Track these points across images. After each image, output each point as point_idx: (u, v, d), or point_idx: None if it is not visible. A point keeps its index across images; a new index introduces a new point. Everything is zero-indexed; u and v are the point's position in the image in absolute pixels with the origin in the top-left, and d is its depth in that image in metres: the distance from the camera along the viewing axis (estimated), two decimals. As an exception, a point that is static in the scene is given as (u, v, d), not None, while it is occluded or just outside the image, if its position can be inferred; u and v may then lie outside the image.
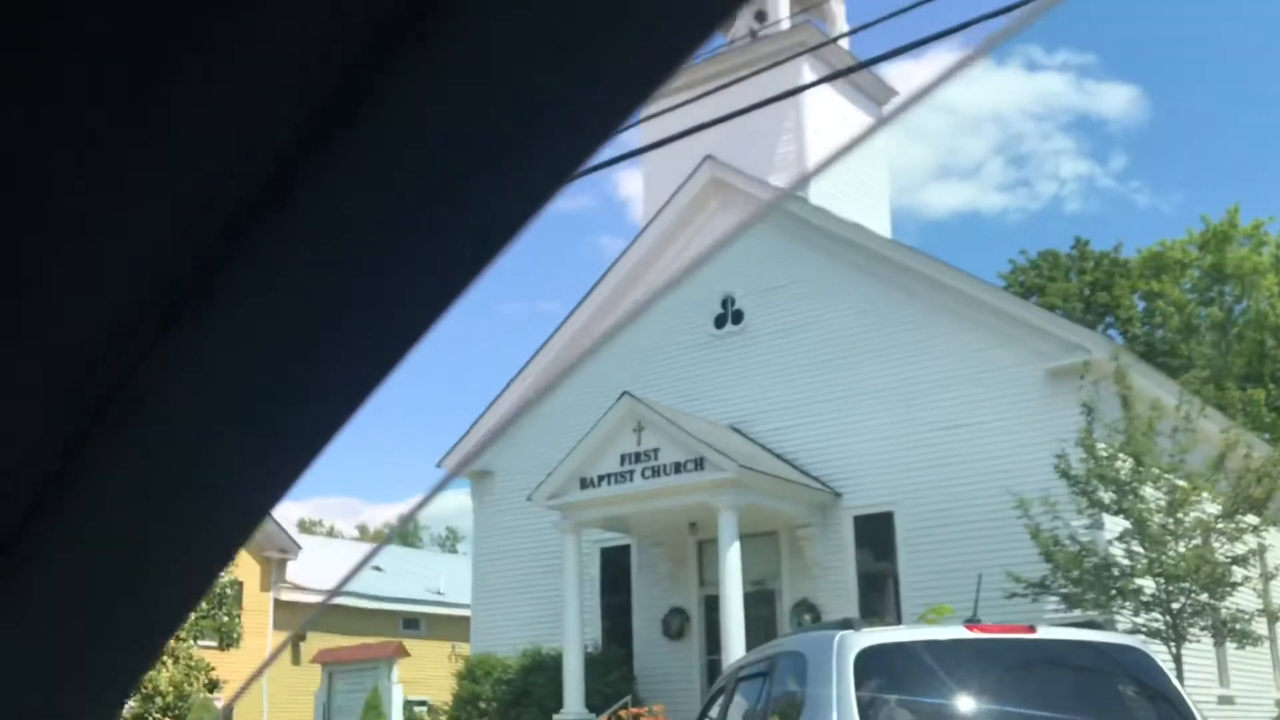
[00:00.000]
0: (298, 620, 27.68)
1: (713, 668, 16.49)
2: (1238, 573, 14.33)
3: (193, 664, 18.37)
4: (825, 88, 19.23)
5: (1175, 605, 14.03)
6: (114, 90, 0.50)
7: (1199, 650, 15.22)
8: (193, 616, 15.87)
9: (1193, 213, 68.00)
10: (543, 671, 17.57)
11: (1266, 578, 16.18)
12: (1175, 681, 6.01)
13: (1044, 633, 5.88)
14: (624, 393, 16.46)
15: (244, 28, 0.49)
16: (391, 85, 0.52)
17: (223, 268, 0.57)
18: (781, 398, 18.11)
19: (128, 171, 0.53)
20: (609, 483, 16.61)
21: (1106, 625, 13.19)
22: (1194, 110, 63.00)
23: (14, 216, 0.53)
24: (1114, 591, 14.15)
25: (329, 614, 27.62)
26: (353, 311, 0.61)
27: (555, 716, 16.67)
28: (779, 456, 17.75)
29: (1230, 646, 15.65)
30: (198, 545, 0.70)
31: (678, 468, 16.09)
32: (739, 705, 6.69)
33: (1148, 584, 14.15)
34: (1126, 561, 14.23)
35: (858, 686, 5.20)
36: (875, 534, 17.26)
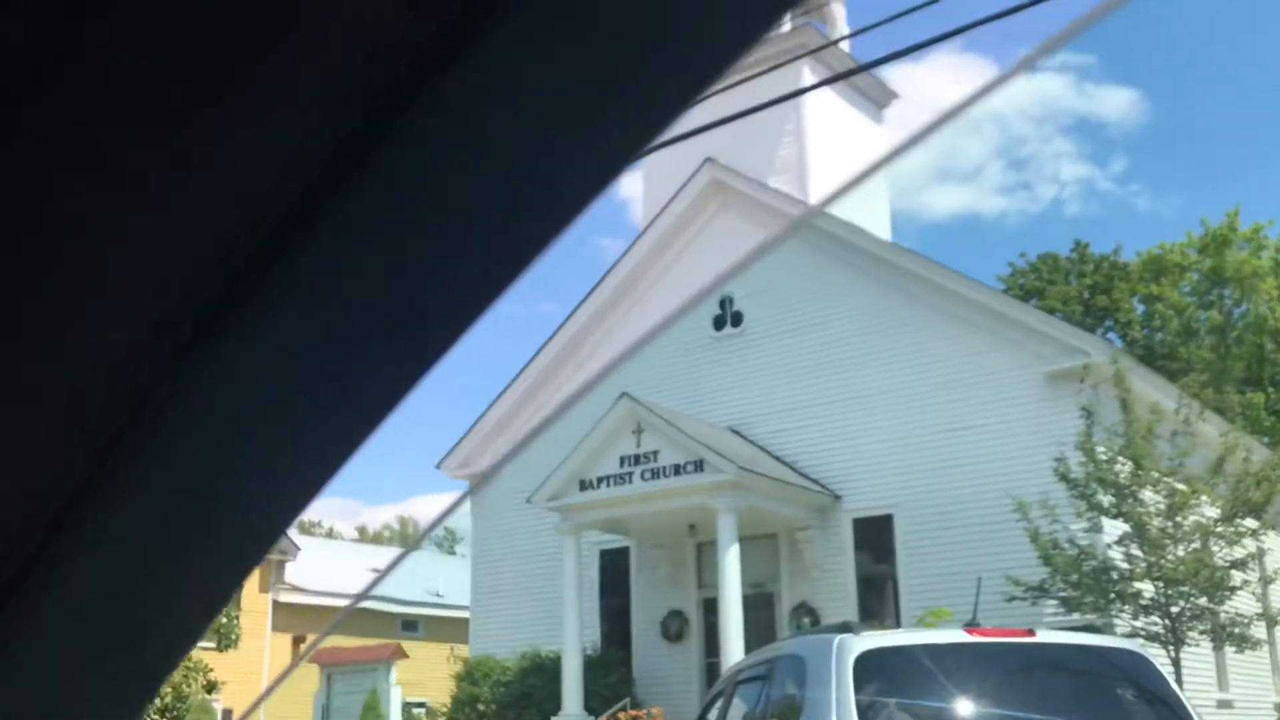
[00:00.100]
0: (296, 621, 27.68)
1: (711, 670, 16.48)
2: (1237, 576, 14.33)
3: (191, 665, 18.37)
4: (826, 90, 19.23)
5: (1174, 609, 14.03)
6: (154, 114, 0.50)
7: (1198, 654, 15.22)
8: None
9: (1192, 216, 68.13)
10: (541, 674, 17.56)
11: (1265, 581, 16.16)
12: (1174, 685, 6.01)
13: (1043, 636, 5.87)
14: (623, 394, 16.46)
15: (280, 54, 0.50)
16: (422, 111, 0.52)
17: (249, 286, 0.57)
18: (781, 400, 18.11)
19: (160, 191, 0.53)
20: (608, 485, 16.60)
21: (1105, 629, 13.25)
22: (1194, 114, 63.09)
23: (43, 234, 0.53)
24: (1113, 595, 14.15)
25: (328, 616, 27.62)
26: (378, 330, 0.61)
27: (554, 719, 16.66)
28: (778, 459, 17.75)
29: (1229, 650, 15.65)
30: (219, 558, 0.70)
31: (677, 470, 16.09)
32: (738, 708, 6.68)
33: (1147, 588, 14.15)
34: (1125, 565, 14.24)
35: (857, 690, 5.19)
36: (874, 537, 17.25)
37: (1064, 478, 14.45)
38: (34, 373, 0.58)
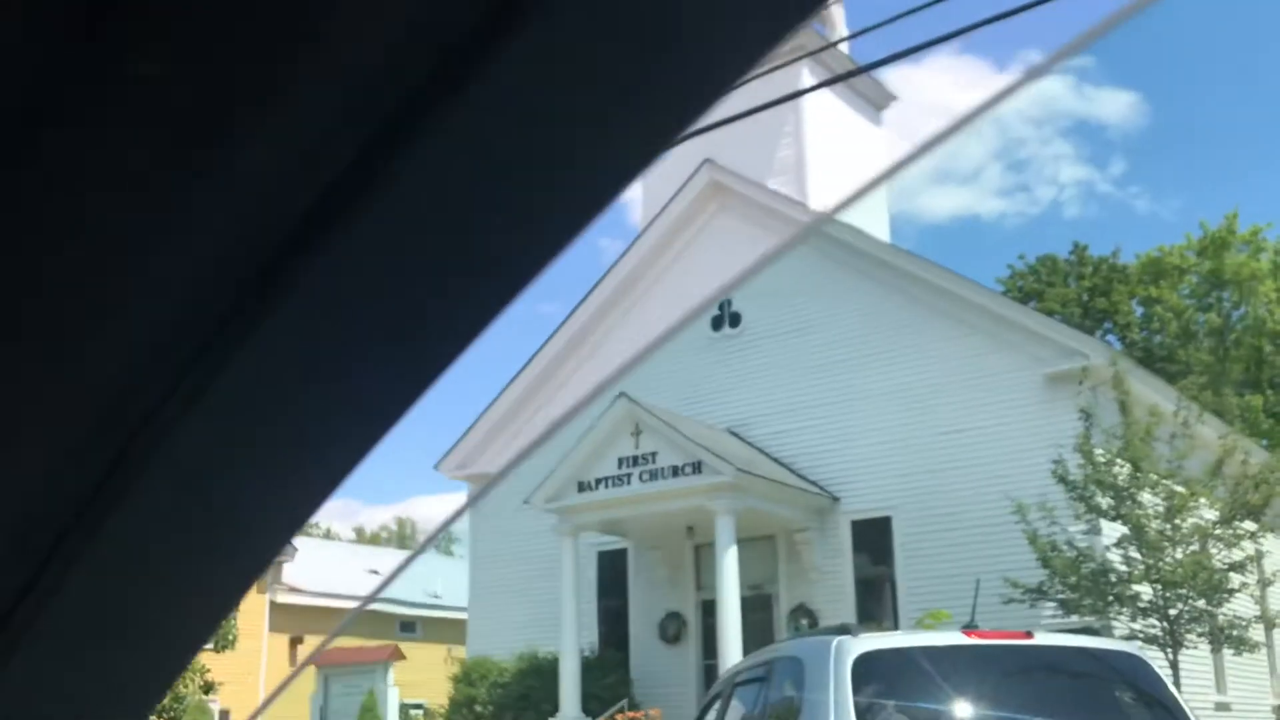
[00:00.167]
0: (293, 622, 27.65)
1: (709, 672, 16.47)
2: (1235, 579, 14.33)
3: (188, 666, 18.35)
4: (824, 92, 19.23)
5: (1172, 611, 14.03)
6: (164, 120, 0.51)
7: (1196, 656, 15.22)
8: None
9: (1191, 218, 68.13)
10: (539, 675, 17.55)
11: (1264, 584, 16.18)
12: (1172, 688, 6.01)
13: (1041, 638, 5.87)
14: (621, 395, 16.44)
15: (295, 63, 0.50)
16: (437, 119, 0.52)
17: (259, 294, 0.57)
18: (779, 401, 18.10)
19: (172, 200, 0.53)
20: (606, 486, 16.60)
21: (1104, 631, 13.25)
22: (1193, 116, 63.10)
23: (51, 240, 0.54)
24: (1111, 597, 14.15)
25: (325, 617, 27.60)
26: (386, 338, 0.61)
27: (551, 720, 16.66)
28: (777, 460, 17.74)
29: (1227, 653, 15.65)
30: (226, 564, 0.71)
31: (675, 471, 16.09)
32: (736, 710, 6.68)
33: (1145, 590, 14.15)
34: (1124, 567, 14.24)
35: (855, 692, 5.19)
36: (873, 539, 17.25)
37: (1062, 480, 14.45)
38: (43, 379, 0.58)
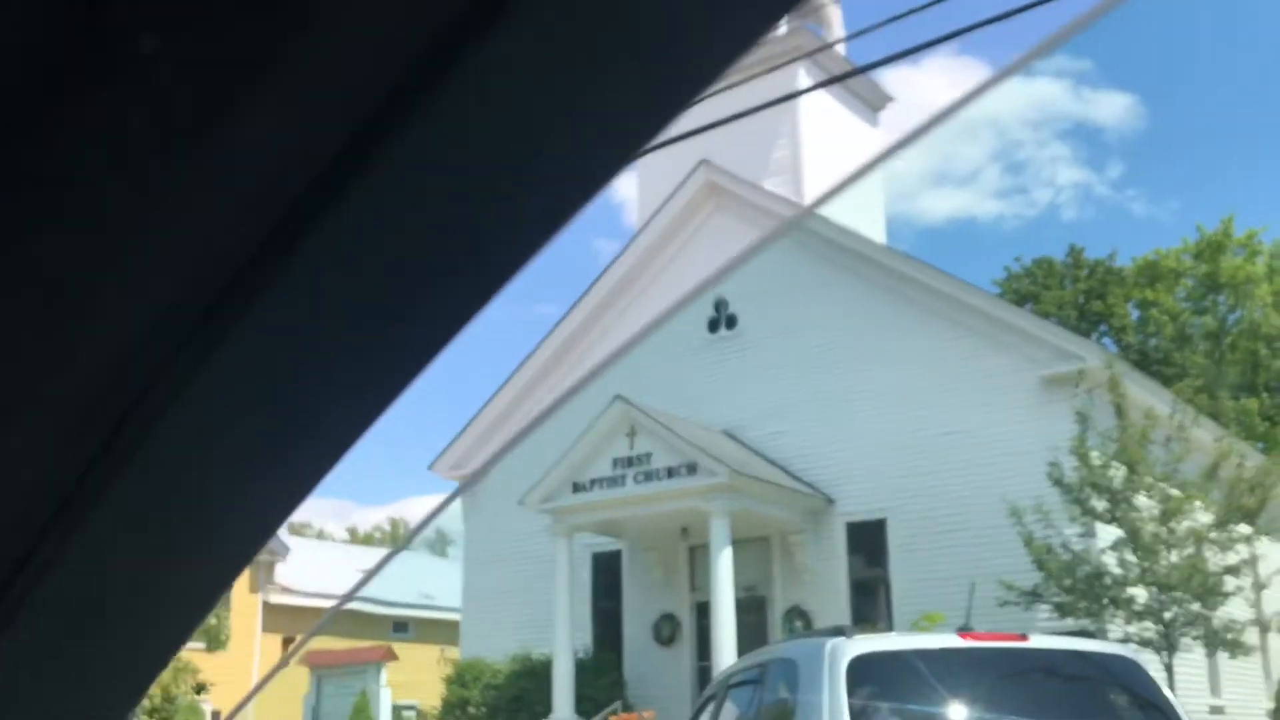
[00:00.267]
0: (286, 622, 27.60)
1: (703, 674, 16.44)
2: (1230, 582, 14.33)
3: (180, 666, 18.30)
4: (821, 93, 19.23)
5: (1167, 615, 14.02)
6: (166, 109, 0.51)
7: (1191, 660, 15.21)
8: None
9: (1188, 221, 68.16)
10: (532, 677, 17.53)
11: (1259, 588, 16.18)
12: (1166, 691, 5.98)
13: (1036, 641, 5.86)
14: (616, 396, 16.42)
15: (284, 56, 0.51)
16: (421, 112, 0.53)
17: (244, 288, 0.57)
18: (775, 403, 18.09)
19: (167, 184, 0.54)
20: (601, 487, 16.58)
21: (1098, 634, 13.23)
22: (1190, 119, 63.12)
23: (34, 235, 0.54)
24: (1106, 600, 14.15)
25: (317, 617, 27.57)
26: (371, 330, 0.61)
27: (544, 721, 16.62)
28: (772, 462, 17.73)
29: (1222, 656, 15.64)
30: (212, 558, 0.72)
31: (670, 472, 16.07)
32: (730, 712, 6.65)
33: (1140, 593, 14.15)
34: (1119, 570, 14.23)
35: (850, 694, 5.17)
36: (868, 540, 17.24)
37: (1058, 482, 14.45)
38: (26, 376, 0.59)
